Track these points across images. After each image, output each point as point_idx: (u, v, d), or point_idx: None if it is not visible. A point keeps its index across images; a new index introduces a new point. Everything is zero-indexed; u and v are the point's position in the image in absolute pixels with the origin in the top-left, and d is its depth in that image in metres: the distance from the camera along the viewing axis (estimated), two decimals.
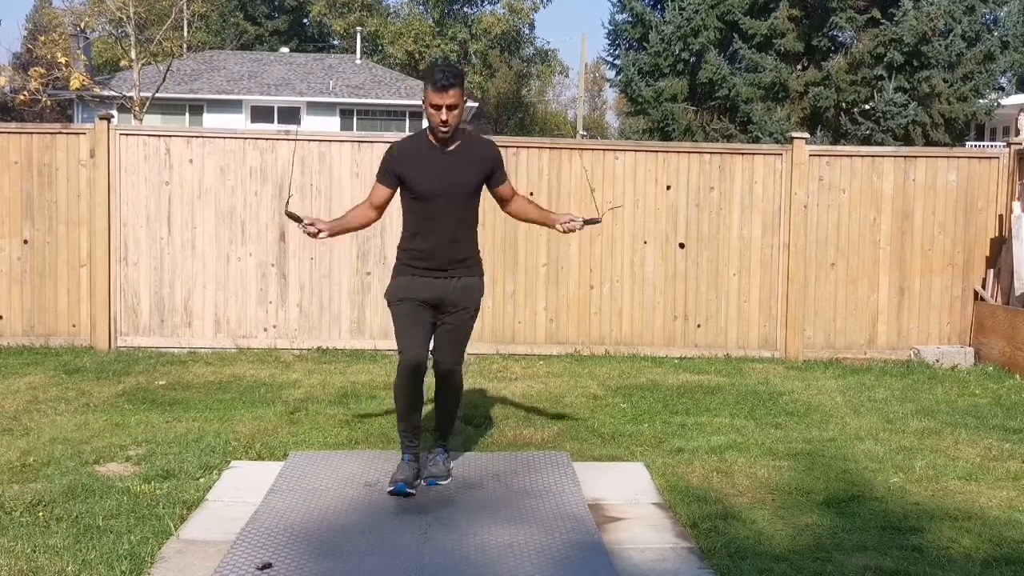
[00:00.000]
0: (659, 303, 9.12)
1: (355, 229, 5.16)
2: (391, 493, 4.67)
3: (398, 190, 4.81)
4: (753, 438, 6.03)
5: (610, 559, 3.95)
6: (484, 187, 4.88)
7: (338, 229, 4.96)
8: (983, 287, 9.15)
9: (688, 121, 22.34)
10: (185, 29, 35.01)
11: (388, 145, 5.02)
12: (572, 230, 4.97)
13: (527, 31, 49.02)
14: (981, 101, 21.73)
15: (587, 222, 4.98)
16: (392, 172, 4.76)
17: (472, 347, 8.61)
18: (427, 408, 5.19)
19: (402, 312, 4.77)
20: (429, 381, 4.91)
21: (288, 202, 5.38)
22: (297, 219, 4.79)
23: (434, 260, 4.74)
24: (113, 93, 26.44)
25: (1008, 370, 8.46)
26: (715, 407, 6.92)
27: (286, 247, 8.89)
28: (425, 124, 4.99)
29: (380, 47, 44.18)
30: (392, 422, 6.15)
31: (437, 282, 4.75)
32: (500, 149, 5.02)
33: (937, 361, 8.85)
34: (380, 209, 4.90)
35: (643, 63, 22.99)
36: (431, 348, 4.82)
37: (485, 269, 5.03)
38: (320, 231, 4.82)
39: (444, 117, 4.58)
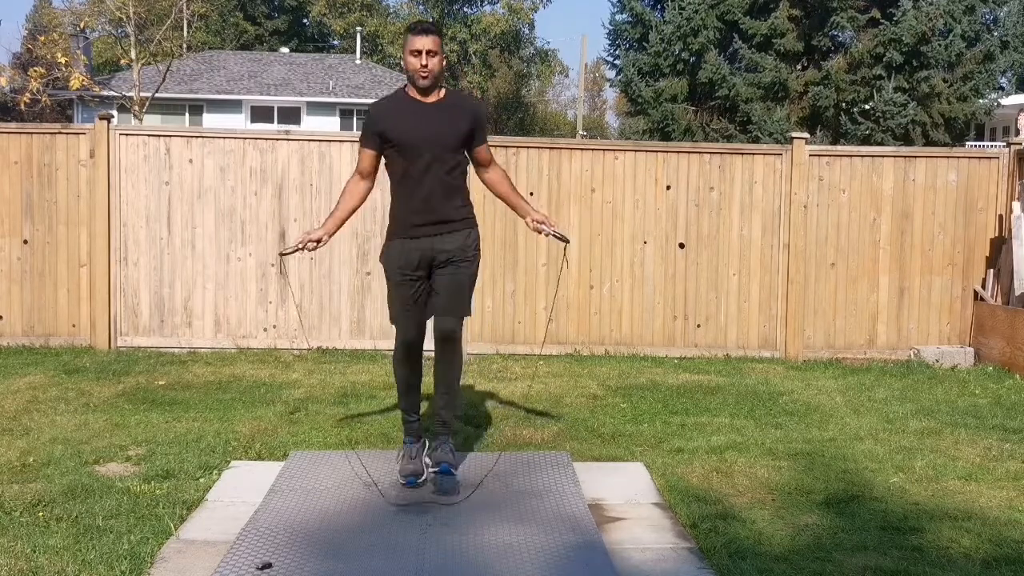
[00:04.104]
0: (659, 303, 9.12)
1: (352, 213, 4.89)
2: (404, 485, 4.67)
3: (383, 153, 4.68)
4: (753, 438, 6.03)
5: (610, 559, 3.94)
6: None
7: (335, 226, 4.78)
8: (983, 287, 9.15)
9: (688, 121, 22.36)
10: (185, 29, 35.02)
11: None
12: (539, 231, 4.88)
13: (527, 31, 49.04)
14: (981, 101, 21.75)
15: (556, 235, 4.88)
16: (374, 132, 4.65)
17: (472, 347, 8.70)
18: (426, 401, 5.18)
19: (398, 294, 4.73)
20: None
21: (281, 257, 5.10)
22: (295, 251, 4.73)
23: (424, 216, 4.62)
24: (113, 93, 26.47)
25: (1008, 370, 8.46)
26: (715, 407, 6.92)
27: (286, 247, 8.88)
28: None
29: (380, 47, 44.20)
30: (392, 422, 6.17)
31: (430, 239, 4.64)
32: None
33: (937, 361, 8.85)
34: (370, 176, 4.77)
35: (643, 63, 23.02)
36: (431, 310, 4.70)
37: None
38: (320, 240, 4.71)
39: (424, 62, 4.54)
